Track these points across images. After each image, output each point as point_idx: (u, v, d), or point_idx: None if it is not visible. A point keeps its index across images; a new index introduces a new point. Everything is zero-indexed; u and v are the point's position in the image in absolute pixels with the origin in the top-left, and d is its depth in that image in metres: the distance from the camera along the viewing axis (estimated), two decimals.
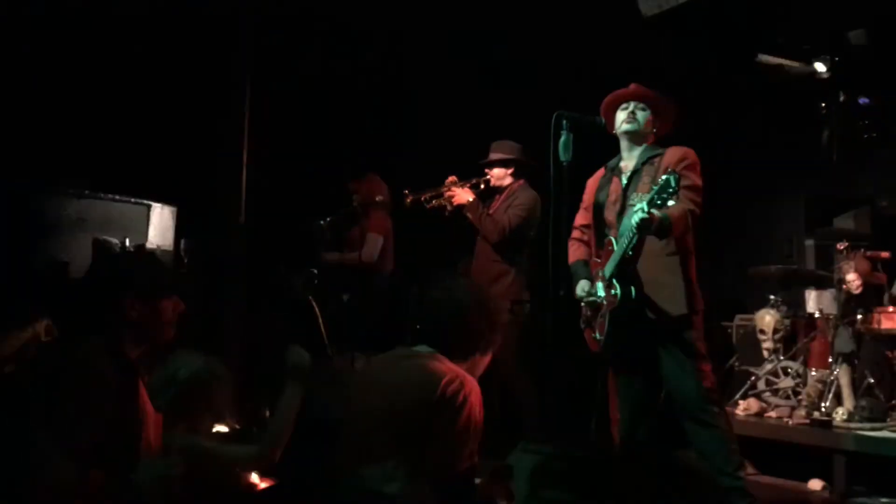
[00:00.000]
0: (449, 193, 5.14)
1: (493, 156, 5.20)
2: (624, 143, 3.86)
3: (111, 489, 2.26)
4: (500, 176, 5.17)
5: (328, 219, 5.44)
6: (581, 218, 3.98)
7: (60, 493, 2.19)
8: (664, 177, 3.27)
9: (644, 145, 3.80)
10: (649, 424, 3.77)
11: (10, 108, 4.92)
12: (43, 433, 2.21)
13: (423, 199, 5.26)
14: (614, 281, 3.58)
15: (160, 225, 4.89)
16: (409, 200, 5.29)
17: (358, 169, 5.81)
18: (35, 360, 2.75)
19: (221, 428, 3.24)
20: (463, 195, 5.08)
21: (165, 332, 2.50)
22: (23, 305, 3.35)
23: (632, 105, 3.81)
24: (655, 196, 3.28)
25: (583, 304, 3.79)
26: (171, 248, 4.90)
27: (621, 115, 3.82)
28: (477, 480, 2.78)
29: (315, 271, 5.12)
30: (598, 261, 3.77)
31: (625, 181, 3.76)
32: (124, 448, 2.35)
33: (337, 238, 5.61)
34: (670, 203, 3.28)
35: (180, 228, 5.01)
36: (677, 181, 3.24)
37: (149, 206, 4.85)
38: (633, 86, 3.85)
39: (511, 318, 4.97)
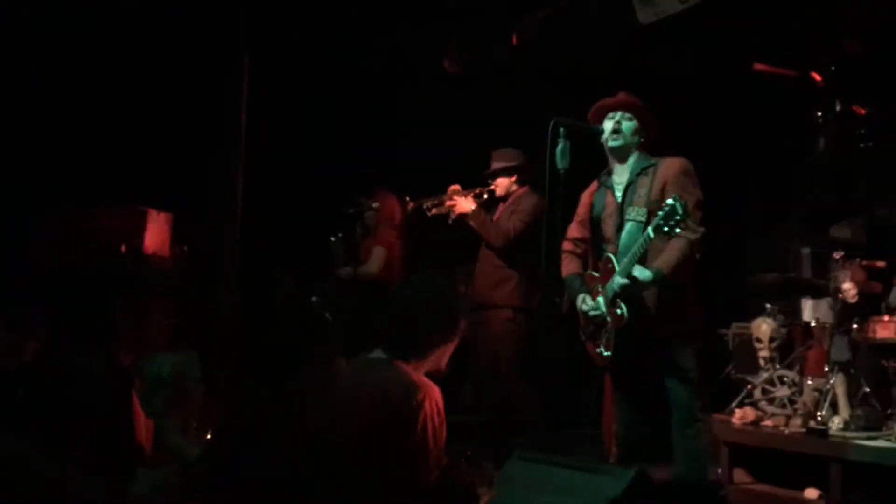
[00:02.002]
0: (450, 203, 5.12)
1: (496, 165, 5.16)
2: (611, 156, 3.80)
3: (113, 499, 2.24)
4: (504, 185, 5.15)
5: (339, 235, 5.41)
6: (575, 231, 3.94)
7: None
8: (669, 202, 3.23)
9: (634, 154, 3.74)
10: (646, 436, 3.76)
11: (5, 113, 4.91)
12: (41, 444, 2.19)
13: (424, 206, 5.25)
14: (619, 301, 3.56)
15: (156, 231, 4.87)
16: (410, 207, 5.28)
17: (359, 177, 5.78)
18: (32, 371, 2.73)
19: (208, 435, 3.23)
20: (464, 204, 5.06)
21: (158, 335, 2.48)
22: (19, 314, 3.33)
23: (618, 115, 3.73)
24: (662, 222, 3.24)
25: (585, 318, 3.77)
26: (167, 254, 4.88)
27: (608, 126, 3.74)
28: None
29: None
30: (596, 275, 3.74)
31: (619, 195, 3.71)
32: (122, 457, 2.34)
33: (348, 253, 5.52)
34: (677, 231, 3.25)
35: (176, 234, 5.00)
36: (684, 207, 3.20)
37: (144, 213, 4.83)
38: (621, 94, 3.78)
39: (510, 325, 4.96)
